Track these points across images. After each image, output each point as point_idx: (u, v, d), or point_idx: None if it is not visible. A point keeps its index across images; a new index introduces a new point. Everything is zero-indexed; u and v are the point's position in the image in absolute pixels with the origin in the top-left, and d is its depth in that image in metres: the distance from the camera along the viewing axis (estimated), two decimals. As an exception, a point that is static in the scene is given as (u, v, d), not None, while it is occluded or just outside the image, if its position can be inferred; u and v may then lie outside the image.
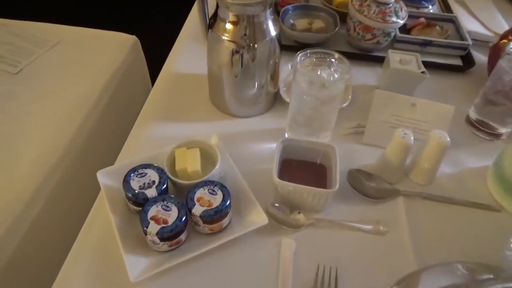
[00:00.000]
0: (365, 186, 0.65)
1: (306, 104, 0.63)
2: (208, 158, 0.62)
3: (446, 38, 0.92)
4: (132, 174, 0.57)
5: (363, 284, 0.54)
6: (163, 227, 0.51)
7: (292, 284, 0.53)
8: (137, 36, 1.30)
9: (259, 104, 0.76)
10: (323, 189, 0.57)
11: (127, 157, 0.66)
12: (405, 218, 0.62)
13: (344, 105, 0.77)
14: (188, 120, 0.75)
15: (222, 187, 0.56)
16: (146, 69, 1.43)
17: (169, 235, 0.51)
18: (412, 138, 0.61)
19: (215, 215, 0.53)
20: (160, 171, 0.58)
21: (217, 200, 0.54)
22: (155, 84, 0.83)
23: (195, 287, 0.53)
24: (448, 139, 0.61)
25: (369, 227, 0.60)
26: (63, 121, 1.01)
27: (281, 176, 0.60)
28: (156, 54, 1.17)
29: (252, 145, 0.72)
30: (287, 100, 0.75)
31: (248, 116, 0.77)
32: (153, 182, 0.56)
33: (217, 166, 0.59)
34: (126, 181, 0.56)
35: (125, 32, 1.29)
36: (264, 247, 0.57)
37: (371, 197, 0.63)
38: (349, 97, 0.78)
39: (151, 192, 0.55)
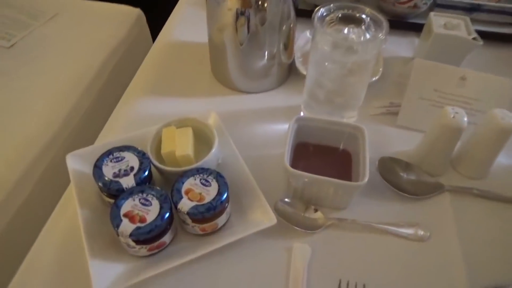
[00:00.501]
0: (401, 178, 0.52)
1: (327, 73, 0.50)
2: (204, 141, 0.50)
3: (498, 2, 0.76)
4: (105, 159, 0.45)
5: (398, 306, 0.41)
6: (138, 228, 0.39)
7: (305, 303, 0.41)
8: (141, 9, 1.20)
9: (269, 78, 0.63)
10: (348, 182, 0.45)
11: (108, 139, 0.54)
12: (453, 220, 0.48)
13: (374, 79, 0.63)
14: (186, 96, 0.63)
15: (218, 177, 0.44)
16: (151, 44, 1.33)
17: (147, 237, 0.40)
18: (465, 119, 0.47)
19: (207, 213, 0.41)
20: (141, 155, 0.46)
21: (210, 193, 0.42)
22: (148, 54, 0.71)
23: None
24: (513, 120, 0.47)
25: (406, 230, 0.47)
26: (58, 99, 0.93)
27: (295, 164, 0.47)
28: (161, 29, 1.07)
29: (261, 126, 0.59)
30: (304, 72, 0.62)
31: (256, 91, 0.64)
32: (132, 168, 0.44)
33: (212, 150, 0.47)
34: (97, 166, 0.44)
35: (129, 5, 1.19)
36: (270, 254, 0.45)
37: (408, 192, 0.50)
38: (380, 69, 0.64)
39: (128, 182, 0.43)
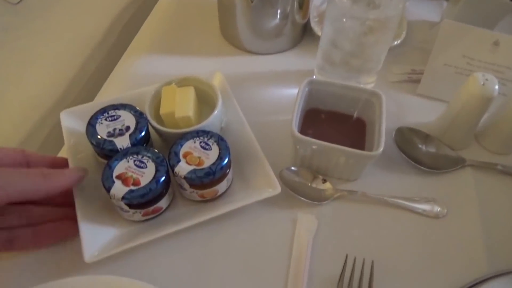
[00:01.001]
0: (420, 151, 0.47)
1: (345, 32, 0.45)
2: (207, 103, 0.46)
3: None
4: (100, 116, 0.42)
5: (409, 286, 0.38)
6: (131, 191, 0.37)
7: (308, 279, 0.38)
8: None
9: (281, 38, 0.58)
10: (361, 151, 0.41)
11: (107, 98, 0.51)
12: (473, 197, 0.45)
13: (396, 42, 0.58)
14: (192, 56, 0.59)
15: (220, 141, 0.40)
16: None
17: (140, 201, 0.37)
18: (496, 87, 0.42)
19: (205, 178, 0.38)
20: (138, 114, 0.43)
21: (210, 157, 0.39)
22: (153, 10, 0.67)
23: (174, 274, 0.39)
24: (551, 91, 0.42)
25: (421, 206, 0.43)
26: (66, 58, 0.89)
27: (304, 131, 0.44)
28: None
29: (270, 90, 0.55)
30: (320, 33, 0.57)
31: (267, 52, 0.60)
32: (127, 128, 0.41)
33: (215, 112, 0.43)
34: (90, 124, 0.41)
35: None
36: (273, 225, 0.42)
37: (426, 166, 0.46)
38: (403, 33, 0.59)
39: (123, 142, 0.40)
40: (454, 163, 0.47)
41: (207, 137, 0.40)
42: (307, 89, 0.46)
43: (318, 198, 0.43)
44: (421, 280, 0.39)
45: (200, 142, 0.40)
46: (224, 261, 0.40)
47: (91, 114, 0.42)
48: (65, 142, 0.44)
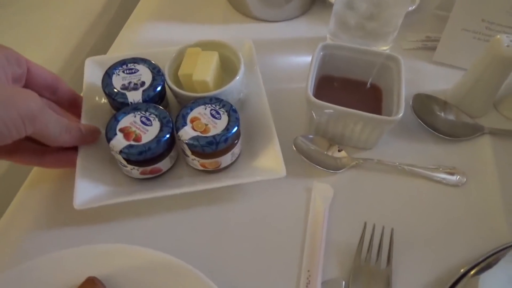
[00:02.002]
0: (438, 118, 0.46)
1: (362, -9, 0.43)
2: (231, 71, 0.44)
3: None
4: (118, 68, 0.41)
5: (427, 256, 0.37)
6: (130, 146, 0.35)
7: (325, 247, 0.37)
8: None
9: (291, 4, 0.56)
10: (380, 116, 0.39)
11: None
12: (493, 165, 0.43)
13: (411, 8, 0.55)
14: (197, 23, 0.57)
15: (231, 111, 0.38)
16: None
17: (138, 158, 0.36)
18: (521, 49, 0.40)
19: (207, 147, 0.36)
20: (156, 71, 0.41)
21: (217, 127, 0.37)
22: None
23: (188, 245, 0.38)
24: None
25: (440, 174, 0.42)
26: (62, 34, 0.86)
27: (318, 97, 0.42)
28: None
29: (281, 58, 0.53)
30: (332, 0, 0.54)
31: (276, 19, 0.57)
32: (142, 83, 0.40)
33: (233, 81, 0.41)
34: (107, 74, 0.40)
35: None
36: (287, 193, 0.41)
37: (444, 133, 0.45)
38: (418, -2, 0.56)
39: (134, 96, 0.39)
40: (473, 131, 0.45)
41: (219, 105, 0.39)
42: (321, 54, 0.44)
43: (333, 166, 0.42)
44: (441, 248, 0.38)
45: (211, 110, 0.38)
46: (239, 232, 0.38)
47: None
48: (83, 88, 0.43)
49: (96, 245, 0.34)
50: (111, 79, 0.40)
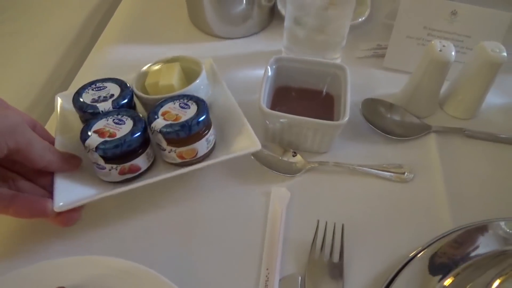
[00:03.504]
0: (386, 120, 0.49)
1: (307, 7, 0.47)
2: (194, 79, 0.46)
3: None
4: (87, 88, 0.43)
5: (379, 246, 0.40)
6: (105, 141, 0.37)
7: (283, 244, 0.39)
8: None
9: (249, 22, 0.60)
10: (327, 121, 0.42)
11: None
12: (439, 161, 0.47)
13: (360, 19, 0.59)
14: (162, 43, 0.60)
15: (200, 101, 0.41)
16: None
17: (115, 152, 0.37)
18: (453, 52, 0.44)
19: (181, 131, 0.38)
20: (124, 85, 0.44)
21: (187, 114, 0.39)
22: (122, 2, 0.67)
23: (155, 249, 0.40)
24: (505, 53, 0.44)
25: (390, 172, 0.45)
26: (40, 59, 0.88)
27: (275, 107, 0.45)
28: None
29: (241, 72, 0.56)
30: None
31: (236, 36, 0.61)
32: (111, 95, 0.42)
33: (199, 77, 0.44)
34: (78, 93, 0.42)
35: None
36: (248, 198, 0.43)
37: (393, 134, 0.48)
38: (367, 10, 0.60)
39: (105, 106, 0.41)
40: (420, 130, 0.49)
41: (187, 98, 0.41)
42: (274, 66, 0.48)
43: (290, 171, 0.45)
44: (391, 240, 0.41)
45: (180, 103, 0.40)
46: (203, 233, 0.41)
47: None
48: (57, 115, 0.45)
49: (65, 259, 0.36)
50: (81, 97, 0.42)
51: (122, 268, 0.35)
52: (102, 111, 0.41)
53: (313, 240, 0.39)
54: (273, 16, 0.62)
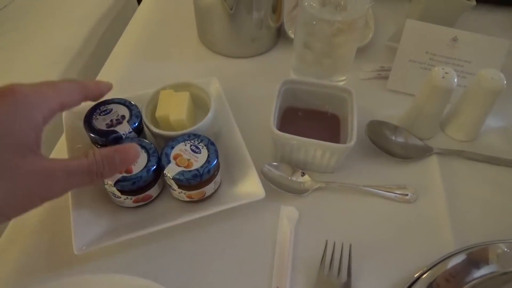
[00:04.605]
0: (390, 142, 0.51)
1: (316, 34, 0.49)
2: (202, 108, 0.49)
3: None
4: (94, 113, 0.44)
5: (384, 266, 0.42)
6: (123, 177, 0.39)
7: (292, 264, 0.41)
8: (128, -25, 1.14)
9: (258, 42, 0.61)
10: (335, 144, 0.44)
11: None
12: (441, 182, 0.48)
13: (365, 43, 0.62)
14: (172, 62, 0.62)
15: (209, 144, 0.42)
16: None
17: (132, 188, 0.40)
18: (455, 79, 0.46)
19: (193, 180, 0.40)
20: (128, 103, 0.45)
21: (199, 160, 0.41)
22: (133, 18, 0.69)
23: (165, 263, 0.41)
24: (504, 81, 0.46)
25: (393, 192, 0.47)
26: (42, 73, 0.89)
27: (283, 128, 0.47)
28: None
29: (249, 91, 0.58)
30: (293, 36, 0.60)
31: (245, 56, 0.62)
32: (123, 117, 0.44)
33: (206, 118, 0.45)
34: (87, 122, 0.43)
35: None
36: (258, 217, 0.45)
37: (397, 155, 0.50)
38: (371, 32, 0.63)
39: (124, 129, 0.43)
40: (423, 152, 0.51)
41: (197, 140, 0.43)
42: (283, 88, 0.49)
43: (298, 190, 0.46)
44: (396, 259, 0.42)
45: (191, 145, 0.42)
46: (215, 252, 0.42)
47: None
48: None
49: (80, 277, 0.37)
50: (92, 123, 0.43)
51: (138, 285, 0.36)
52: (123, 134, 0.42)
53: (322, 259, 0.41)
54: (279, 36, 0.64)
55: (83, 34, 0.98)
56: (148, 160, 0.40)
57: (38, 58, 0.90)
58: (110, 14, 1.08)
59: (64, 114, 0.48)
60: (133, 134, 0.43)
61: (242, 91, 0.57)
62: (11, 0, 1.02)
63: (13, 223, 0.44)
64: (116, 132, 0.42)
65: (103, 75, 0.59)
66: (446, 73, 0.46)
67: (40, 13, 1.00)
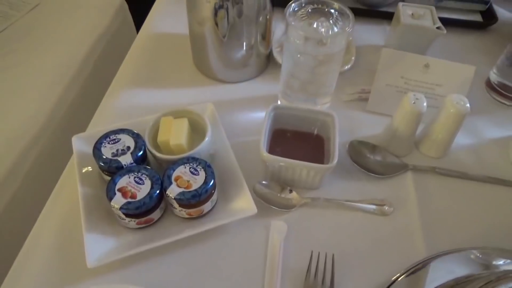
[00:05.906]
0: (369, 160, 0.56)
1: (300, 65, 0.54)
2: (199, 131, 0.54)
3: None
4: (103, 141, 0.49)
5: (364, 272, 0.47)
6: (128, 202, 0.44)
7: (282, 273, 0.46)
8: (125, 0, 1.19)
9: (248, 68, 0.67)
10: (319, 165, 0.49)
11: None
12: (415, 196, 0.54)
13: (347, 67, 0.67)
14: (169, 87, 0.67)
15: (207, 167, 0.48)
16: (135, 35, 1.33)
17: (136, 212, 0.45)
18: (425, 104, 0.52)
19: (192, 199, 0.45)
20: (135, 136, 0.50)
21: (197, 181, 0.46)
22: (132, 47, 0.74)
23: (168, 275, 0.46)
24: (468, 105, 0.52)
25: (372, 206, 0.52)
26: (43, 92, 0.93)
27: (272, 148, 0.52)
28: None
29: (242, 114, 0.63)
30: (281, 61, 0.65)
31: (236, 81, 0.68)
32: (128, 148, 0.49)
33: (205, 140, 0.50)
34: (96, 148, 0.49)
35: (110, -6, 1.19)
36: (250, 231, 0.50)
37: (375, 172, 0.55)
38: (352, 58, 0.68)
39: (126, 159, 0.48)
40: (398, 169, 0.56)
41: (196, 163, 0.48)
42: (272, 113, 0.54)
43: (286, 206, 0.51)
44: (374, 266, 0.47)
45: (190, 168, 0.47)
46: (211, 263, 0.47)
47: (95, 138, 0.50)
48: (75, 162, 0.51)
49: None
50: (100, 151, 0.48)
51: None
52: (124, 165, 0.47)
53: (308, 269, 0.46)
54: (269, 62, 0.70)
55: (81, 54, 1.02)
56: (151, 188, 0.45)
57: (37, 79, 0.93)
58: (107, 33, 1.12)
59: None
60: (134, 164, 0.48)
61: (235, 114, 0.63)
62: (9, 24, 1.06)
63: (29, 241, 0.48)
64: (118, 162, 0.47)
65: (106, 103, 0.64)
66: (417, 98, 0.52)
67: (37, 36, 1.04)
